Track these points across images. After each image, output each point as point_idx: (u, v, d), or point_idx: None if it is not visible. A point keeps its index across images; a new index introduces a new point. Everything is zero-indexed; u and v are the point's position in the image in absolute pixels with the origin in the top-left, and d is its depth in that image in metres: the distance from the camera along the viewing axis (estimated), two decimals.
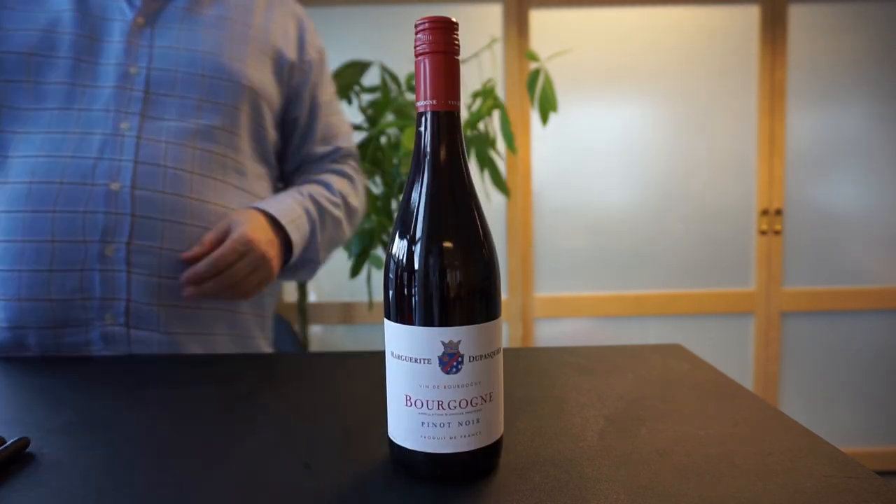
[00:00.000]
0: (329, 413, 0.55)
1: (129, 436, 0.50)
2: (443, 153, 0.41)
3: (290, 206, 0.85)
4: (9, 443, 0.45)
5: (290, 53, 0.91)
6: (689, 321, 2.27)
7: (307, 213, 0.87)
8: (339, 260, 2.10)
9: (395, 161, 1.72)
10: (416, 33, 0.41)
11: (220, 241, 0.76)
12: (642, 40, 2.20)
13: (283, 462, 0.44)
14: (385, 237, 1.78)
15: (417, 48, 0.41)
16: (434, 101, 0.41)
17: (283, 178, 0.99)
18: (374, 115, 1.77)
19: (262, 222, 0.79)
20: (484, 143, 1.68)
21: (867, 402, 2.30)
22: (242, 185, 0.86)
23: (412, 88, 1.80)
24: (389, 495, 0.39)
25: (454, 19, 0.41)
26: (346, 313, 2.25)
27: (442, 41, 0.40)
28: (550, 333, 2.29)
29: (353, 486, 0.41)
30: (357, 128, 1.80)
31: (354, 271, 1.79)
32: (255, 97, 0.86)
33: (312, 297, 2.26)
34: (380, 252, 1.84)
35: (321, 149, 0.97)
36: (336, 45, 2.20)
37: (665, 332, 2.26)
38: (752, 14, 2.19)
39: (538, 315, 2.27)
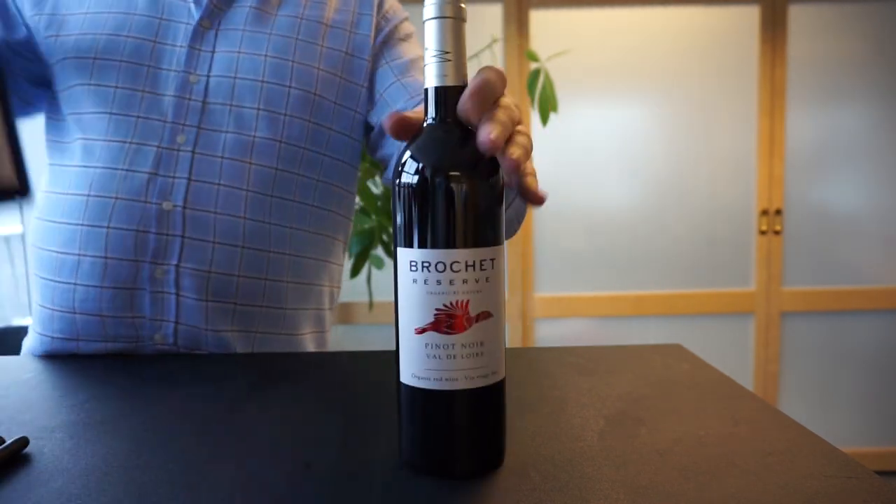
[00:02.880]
0: (329, 413, 0.55)
1: (130, 436, 0.50)
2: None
3: None
4: (8, 443, 0.45)
5: (372, 38, 0.83)
6: (689, 321, 2.27)
7: None
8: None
9: None
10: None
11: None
12: (642, 40, 2.20)
13: (283, 462, 0.44)
14: (385, 237, 1.78)
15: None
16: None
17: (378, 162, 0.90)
18: None
19: None
20: None
21: (867, 402, 2.30)
22: (312, 200, 0.81)
23: None
24: (390, 495, 0.39)
25: None
26: (346, 313, 2.25)
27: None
28: (550, 333, 2.29)
29: (353, 486, 0.41)
30: None
31: (354, 271, 1.79)
32: (325, 103, 0.80)
33: None
34: (380, 252, 1.84)
35: (413, 104, 0.82)
36: None
37: (665, 332, 2.26)
38: (752, 14, 2.19)
39: (538, 315, 2.27)
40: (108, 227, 0.73)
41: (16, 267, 2.27)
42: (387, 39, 0.85)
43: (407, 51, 0.86)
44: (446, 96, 0.42)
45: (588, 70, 2.20)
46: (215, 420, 0.53)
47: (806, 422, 0.63)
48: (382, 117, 0.83)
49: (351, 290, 2.16)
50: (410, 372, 0.41)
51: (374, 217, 1.71)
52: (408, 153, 0.41)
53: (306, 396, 0.59)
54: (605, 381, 0.62)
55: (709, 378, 0.63)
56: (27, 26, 0.79)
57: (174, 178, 0.74)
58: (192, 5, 0.78)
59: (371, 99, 0.84)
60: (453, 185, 0.39)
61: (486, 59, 2.05)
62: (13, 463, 0.44)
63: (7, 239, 2.25)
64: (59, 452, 0.46)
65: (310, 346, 0.86)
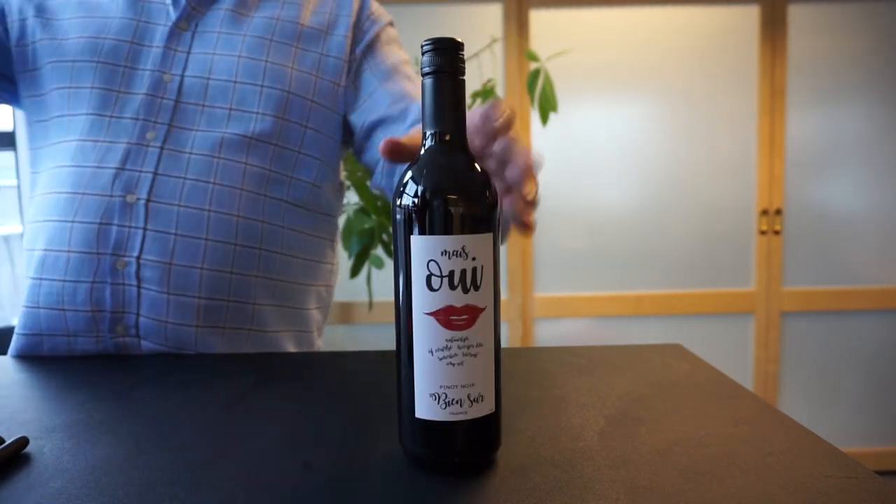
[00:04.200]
0: (329, 413, 0.55)
1: (129, 435, 0.50)
2: None
3: None
4: (8, 442, 0.45)
5: (349, 40, 0.84)
6: (689, 321, 2.27)
7: None
8: (340, 260, 2.09)
9: None
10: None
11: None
12: (642, 40, 2.20)
13: (283, 462, 0.44)
14: (385, 237, 1.78)
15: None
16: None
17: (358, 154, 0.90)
18: None
19: None
20: None
21: (867, 402, 2.30)
22: (283, 195, 0.81)
23: None
24: (390, 495, 0.39)
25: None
26: (346, 313, 2.25)
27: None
28: (550, 333, 2.29)
29: (353, 485, 0.41)
30: None
31: (354, 271, 1.79)
32: (300, 101, 0.81)
33: None
34: (380, 252, 1.84)
35: (395, 109, 0.82)
36: None
37: (665, 332, 2.26)
38: (752, 14, 2.19)
39: (538, 315, 2.27)
40: (72, 222, 0.73)
41: (16, 267, 2.27)
42: (371, 44, 0.86)
43: (389, 55, 0.87)
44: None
45: (588, 70, 2.20)
46: (215, 420, 0.53)
47: (806, 422, 0.63)
48: (365, 120, 0.84)
49: (351, 290, 2.16)
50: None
51: (374, 217, 1.71)
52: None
53: (306, 396, 0.59)
54: (605, 381, 0.62)
55: (709, 378, 0.63)
56: (6, 29, 0.80)
57: (140, 171, 0.75)
58: (171, 7, 0.80)
59: (355, 100, 0.85)
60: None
61: (486, 59, 2.05)
62: (13, 463, 0.44)
63: (7, 239, 2.25)
64: (58, 452, 0.46)
65: (288, 345, 0.85)
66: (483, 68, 2.05)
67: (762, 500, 0.38)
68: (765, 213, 2.23)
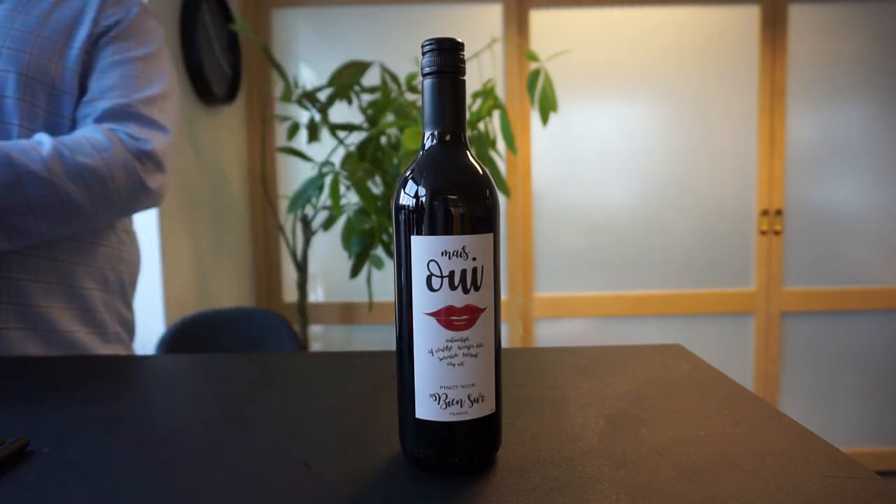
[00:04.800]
0: (329, 413, 0.55)
1: (130, 436, 0.50)
2: None
3: None
4: (8, 442, 0.45)
5: (86, 29, 0.85)
6: (689, 321, 2.27)
7: None
8: (340, 260, 2.10)
9: (395, 161, 1.72)
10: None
11: None
12: (642, 40, 2.20)
13: (283, 462, 0.44)
14: (385, 237, 1.78)
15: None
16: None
17: None
18: (374, 115, 1.77)
19: None
20: (484, 144, 1.68)
21: (867, 402, 2.30)
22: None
23: (412, 88, 1.80)
24: (389, 495, 0.39)
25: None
26: (346, 313, 2.25)
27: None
28: (550, 333, 2.29)
29: (353, 486, 0.41)
30: (357, 128, 1.80)
31: (354, 271, 1.79)
32: (35, 86, 0.81)
33: (312, 298, 2.26)
34: (380, 252, 1.84)
35: (86, 109, 0.85)
36: (336, 45, 2.20)
37: (665, 332, 2.26)
38: (752, 14, 2.19)
39: (538, 315, 2.27)
40: None
41: None
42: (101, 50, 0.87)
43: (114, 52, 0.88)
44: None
45: (588, 70, 2.20)
46: (215, 420, 0.53)
47: (806, 422, 0.63)
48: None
49: (351, 290, 2.16)
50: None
51: (373, 217, 1.71)
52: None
53: (306, 396, 0.59)
54: (605, 381, 0.62)
55: (709, 378, 0.63)
56: None
57: None
58: None
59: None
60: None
61: (486, 60, 2.05)
62: (13, 463, 0.44)
63: None
64: (58, 452, 0.46)
65: (67, 321, 0.84)
66: (483, 68, 2.05)
67: (762, 500, 0.38)
68: (765, 213, 2.23)
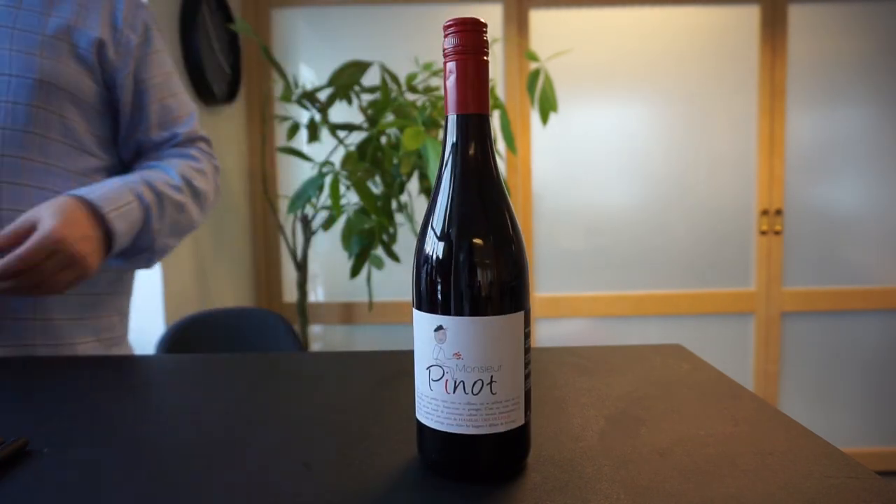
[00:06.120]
0: (329, 413, 0.55)
1: (130, 436, 0.50)
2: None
3: (118, 193, 0.77)
4: (8, 442, 0.45)
5: (97, 34, 0.83)
6: (689, 321, 2.27)
7: (139, 198, 0.79)
8: (339, 260, 2.10)
9: (395, 161, 1.72)
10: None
11: (20, 236, 0.68)
12: (642, 40, 2.20)
13: (283, 462, 0.44)
14: (385, 237, 1.78)
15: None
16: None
17: (125, 167, 0.92)
18: (374, 115, 1.77)
19: (78, 214, 0.72)
20: None
21: (867, 402, 2.30)
22: (45, 184, 0.79)
23: (412, 89, 1.80)
24: (389, 495, 0.39)
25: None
26: (346, 313, 2.25)
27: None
28: (550, 333, 2.29)
29: (353, 486, 0.41)
30: (357, 128, 1.80)
31: (354, 271, 1.79)
32: (48, 89, 0.79)
33: (312, 297, 2.26)
34: (380, 252, 1.84)
35: (158, 135, 0.90)
36: (336, 45, 2.20)
37: (665, 332, 2.26)
38: (752, 14, 2.19)
39: (538, 315, 2.27)
40: None
41: None
42: (121, 61, 0.88)
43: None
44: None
45: (588, 70, 2.20)
46: (215, 420, 0.53)
47: (806, 422, 0.63)
48: None
49: (351, 290, 2.16)
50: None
51: (373, 217, 1.71)
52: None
53: (306, 397, 0.59)
54: (605, 381, 0.62)
55: (709, 378, 0.63)
56: None
57: None
58: None
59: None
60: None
61: None
62: (13, 463, 0.44)
63: None
64: (58, 452, 0.46)
65: (79, 333, 0.83)
66: None
67: (762, 500, 0.38)
68: (765, 213, 2.23)
